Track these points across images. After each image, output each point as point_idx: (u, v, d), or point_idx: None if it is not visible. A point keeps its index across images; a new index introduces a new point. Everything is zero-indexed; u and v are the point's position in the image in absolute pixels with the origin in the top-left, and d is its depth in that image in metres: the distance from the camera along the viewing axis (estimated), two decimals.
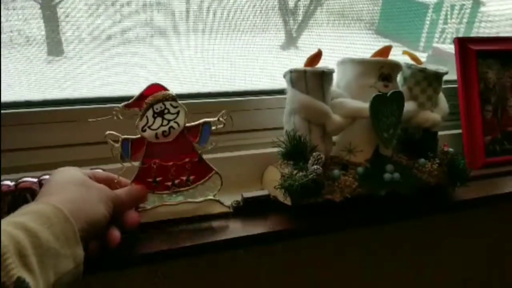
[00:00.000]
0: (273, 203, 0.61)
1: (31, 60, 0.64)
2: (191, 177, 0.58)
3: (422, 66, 0.66)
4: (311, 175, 0.56)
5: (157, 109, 0.56)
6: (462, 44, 0.77)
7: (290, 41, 0.79)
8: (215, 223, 0.59)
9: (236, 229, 0.58)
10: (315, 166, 0.57)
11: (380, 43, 0.74)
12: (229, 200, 0.60)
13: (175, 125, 0.57)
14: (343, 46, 0.78)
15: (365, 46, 0.75)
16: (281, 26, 0.76)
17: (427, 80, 0.65)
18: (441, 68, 0.66)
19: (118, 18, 0.65)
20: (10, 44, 0.62)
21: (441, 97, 0.69)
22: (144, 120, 0.56)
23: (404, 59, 0.68)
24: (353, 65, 0.64)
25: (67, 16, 0.64)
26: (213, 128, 0.58)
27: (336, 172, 0.59)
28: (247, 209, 0.60)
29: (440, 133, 0.80)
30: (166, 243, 0.53)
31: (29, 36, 0.63)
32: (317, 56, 0.60)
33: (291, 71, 0.60)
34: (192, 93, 0.65)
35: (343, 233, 0.65)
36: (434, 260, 0.76)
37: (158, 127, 0.56)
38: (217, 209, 0.59)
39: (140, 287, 0.60)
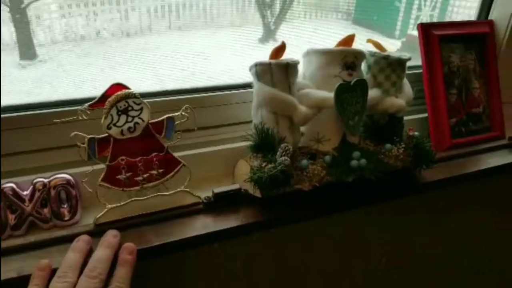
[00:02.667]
0: (244, 197, 0.62)
1: (3, 66, 0.62)
2: (160, 171, 0.59)
3: (386, 53, 0.68)
4: (280, 167, 0.58)
5: (120, 107, 0.58)
6: (425, 30, 0.79)
7: (269, 34, 0.80)
8: (188, 220, 0.59)
9: (208, 224, 0.59)
10: (283, 158, 0.58)
11: (357, 32, 0.76)
12: (202, 196, 0.61)
13: (139, 120, 0.58)
14: (321, 37, 0.80)
15: (342, 36, 0.75)
16: (259, 19, 0.77)
17: (390, 66, 0.67)
18: (404, 55, 0.68)
19: (91, 18, 0.65)
20: None
21: (406, 82, 0.71)
22: (109, 119, 0.57)
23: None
24: (317, 56, 0.66)
25: (38, 18, 0.63)
26: (177, 122, 0.60)
27: (304, 162, 0.61)
28: (219, 204, 0.61)
29: (407, 117, 0.84)
30: (136, 242, 0.54)
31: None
32: (281, 49, 0.61)
33: (256, 64, 0.61)
34: (160, 91, 0.65)
35: (316, 220, 0.67)
36: (405, 242, 0.79)
37: (124, 124, 0.57)
38: (188, 200, 0.60)
39: None
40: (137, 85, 0.64)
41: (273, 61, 0.61)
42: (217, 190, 0.61)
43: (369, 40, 0.70)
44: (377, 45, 0.69)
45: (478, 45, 0.86)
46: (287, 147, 0.60)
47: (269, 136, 0.62)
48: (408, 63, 0.84)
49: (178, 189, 0.60)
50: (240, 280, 0.68)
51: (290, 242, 0.71)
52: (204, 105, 0.66)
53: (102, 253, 0.49)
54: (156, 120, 0.59)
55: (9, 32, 0.62)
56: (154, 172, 0.59)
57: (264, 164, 0.60)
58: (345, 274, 0.77)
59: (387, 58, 0.66)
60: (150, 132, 0.59)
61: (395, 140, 0.67)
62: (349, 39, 0.66)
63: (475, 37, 0.85)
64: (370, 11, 0.91)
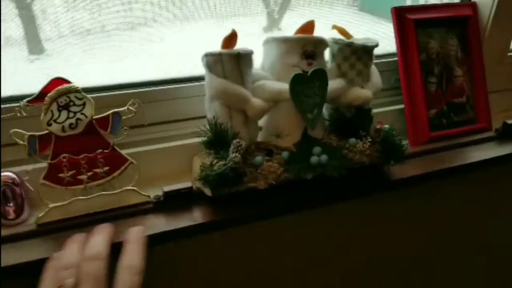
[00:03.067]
0: (198, 195, 0.59)
1: (12, 61, 0.64)
2: (105, 169, 0.56)
3: (350, 40, 0.63)
4: (230, 164, 0.54)
5: (61, 102, 0.55)
6: (399, 13, 0.74)
7: (273, 23, 0.79)
8: (135, 220, 0.57)
9: (156, 224, 0.56)
10: (233, 154, 0.55)
11: (363, 19, 0.71)
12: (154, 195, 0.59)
13: (82, 116, 0.56)
14: (327, 25, 0.73)
15: (348, 23, 0.72)
16: (262, 9, 0.75)
17: (355, 54, 0.63)
18: (371, 41, 0.63)
19: (96, 11, 0.65)
20: None
21: (374, 71, 0.67)
22: (49, 115, 0.55)
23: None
24: (276, 44, 0.62)
25: (43, 13, 0.63)
26: (124, 117, 0.58)
27: (258, 158, 0.57)
28: (171, 203, 0.58)
29: (383, 109, 0.80)
30: None
31: (8, 36, 0.63)
32: (232, 37, 0.58)
33: (206, 55, 0.57)
34: (106, 85, 0.62)
35: (284, 218, 0.63)
36: (382, 241, 0.75)
37: (65, 120, 0.55)
38: (136, 199, 0.58)
39: None
40: (143, 77, 0.65)
41: (223, 50, 0.57)
42: (167, 189, 0.58)
43: (334, 26, 0.66)
44: (342, 31, 0.65)
45: (460, 29, 0.81)
46: (239, 143, 0.57)
47: (222, 132, 0.59)
48: (386, 50, 0.81)
49: (125, 188, 0.58)
50: (204, 281, 0.66)
51: (256, 241, 0.67)
52: (156, 99, 0.63)
53: (97, 237, 0.48)
54: (101, 115, 0.57)
55: (17, 27, 0.63)
56: (99, 170, 0.57)
57: (215, 161, 0.56)
58: (318, 275, 0.73)
59: (351, 45, 0.62)
60: (94, 128, 0.56)
61: (361, 134, 0.63)
62: (309, 26, 0.62)
63: (457, 20, 0.80)
64: None
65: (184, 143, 0.65)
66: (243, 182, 0.57)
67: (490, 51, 0.83)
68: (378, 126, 0.63)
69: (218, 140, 0.59)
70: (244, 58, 0.57)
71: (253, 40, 0.64)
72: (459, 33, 0.81)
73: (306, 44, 0.61)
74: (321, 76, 0.59)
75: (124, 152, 0.59)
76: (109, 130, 0.57)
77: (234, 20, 0.72)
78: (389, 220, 0.74)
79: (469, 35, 0.81)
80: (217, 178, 0.54)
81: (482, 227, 0.85)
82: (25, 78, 0.65)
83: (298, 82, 0.58)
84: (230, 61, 0.57)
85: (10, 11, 0.61)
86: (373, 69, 0.67)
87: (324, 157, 0.60)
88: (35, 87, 0.55)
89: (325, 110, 0.67)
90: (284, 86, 0.58)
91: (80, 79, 0.56)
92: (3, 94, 0.59)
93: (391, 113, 0.79)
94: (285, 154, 0.60)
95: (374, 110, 0.78)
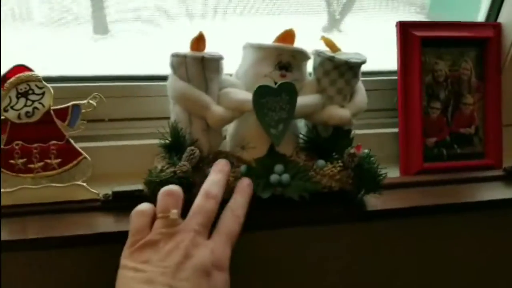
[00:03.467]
0: (149, 199, 0.57)
1: (78, 38, 0.68)
2: (57, 161, 0.56)
3: (333, 53, 0.58)
4: (178, 172, 0.52)
5: (21, 89, 0.55)
6: (404, 29, 0.67)
7: (333, 23, 0.77)
8: (81, 217, 0.55)
9: (100, 224, 0.55)
10: (181, 163, 0.52)
11: None
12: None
13: (39, 106, 0.55)
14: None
15: None
16: (324, 7, 0.74)
17: (337, 70, 0.57)
18: (357, 57, 0.58)
19: None
20: (59, 23, 0.67)
21: (359, 90, 0.61)
22: (7, 101, 0.55)
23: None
24: (252, 51, 0.58)
25: None
26: (84, 110, 0.57)
27: (210, 170, 0.54)
28: (121, 203, 0.56)
29: (379, 130, 0.73)
30: (14, 232, 0.51)
31: (77, 14, 0.67)
32: (199, 40, 0.54)
33: (172, 55, 0.54)
34: (70, 76, 0.61)
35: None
36: (334, 272, 0.69)
37: (22, 108, 0.55)
38: (83, 195, 0.57)
39: None
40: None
41: (189, 53, 0.54)
42: (116, 189, 0.56)
43: (322, 37, 0.60)
44: (328, 43, 0.60)
45: (478, 52, 0.72)
46: (192, 152, 0.54)
47: (181, 137, 0.56)
48: (388, 67, 0.74)
49: (73, 182, 0.56)
50: None
51: None
52: (121, 95, 0.61)
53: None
54: (61, 106, 0.56)
55: (86, 5, 0.66)
56: (50, 161, 0.56)
57: (166, 166, 0.54)
58: None
59: (332, 59, 0.57)
60: (51, 118, 0.56)
61: (332, 157, 0.58)
62: (288, 35, 0.57)
63: (474, 42, 0.71)
64: (447, 5, 0.85)
65: (148, 143, 0.63)
66: (192, 192, 0.54)
67: (510, 79, 0.73)
68: (352, 151, 0.57)
69: (175, 145, 0.56)
70: (210, 62, 0.54)
71: (310, 39, 0.60)
72: (476, 56, 0.72)
73: (282, 54, 0.56)
74: (290, 90, 0.54)
75: (83, 146, 0.58)
76: (67, 122, 0.57)
77: (294, 17, 0.71)
78: (356, 252, 0.68)
79: (487, 59, 0.72)
80: (160, 185, 0.52)
81: (465, 271, 0.76)
82: (87, 58, 0.69)
83: (262, 95, 0.53)
84: (194, 65, 0.54)
85: None
86: (359, 87, 0.61)
87: (285, 177, 0.55)
88: (96, 67, 0.57)
89: (303, 126, 0.63)
90: (249, 96, 0.54)
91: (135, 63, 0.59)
92: (66, 73, 0.62)
93: (387, 136, 0.72)
94: (243, 168, 0.56)
95: (368, 131, 0.73)
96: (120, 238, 0.55)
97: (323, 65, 0.58)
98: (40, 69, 0.56)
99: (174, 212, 0.45)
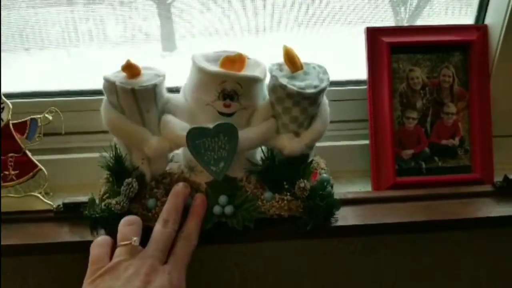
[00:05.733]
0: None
1: (147, 56, 0.71)
2: (15, 172, 0.58)
3: (285, 81, 0.50)
4: (113, 210, 0.52)
5: None
6: (372, 35, 0.63)
7: None
8: (35, 226, 0.57)
9: (58, 233, 0.57)
10: (117, 200, 0.52)
11: None
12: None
13: None
14: None
15: None
16: (390, 15, 0.72)
17: (292, 99, 0.51)
18: (316, 84, 0.51)
19: (226, 14, 0.70)
20: (131, 41, 0.71)
21: (321, 114, 0.55)
22: None
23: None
24: (195, 71, 0.52)
25: (181, 12, 0.70)
26: (40, 124, 0.60)
27: (150, 202, 0.53)
28: (74, 214, 0.58)
29: (351, 142, 0.70)
30: None
31: (147, 33, 0.71)
32: (126, 68, 0.49)
33: (104, 78, 0.50)
34: (27, 92, 0.65)
35: None
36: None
37: None
38: (38, 206, 0.59)
39: None
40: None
41: (118, 82, 0.49)
42: (67, 200, 0.58)
43: (284, 47, 0.52)
44: (289, 56, 0.52)
45: (462, 56, 0.66)
46: (129, 186, 0.52)
47: (122, 162, 0.54)
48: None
49: (29, 193, 0.59)
50: None
51: None
52: (77, 109, 0.63)
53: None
54: (20, 121, 0.60)
55: (156, 25, 0.70)
56: (8, 172, 0.59)
57: (105, 196, 0.54)
58: None
59: (284, 88, 0.50)
60: (9, 132, 0.59)
61: (283, 187, 0.54)
62: (238, 59, 0.51)
63: (456, 46, 0.66)
64: None
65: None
66: None
67: (499, 85, 0.66)
68: (302, 185, 0.53)
69: (117, 168, 0.54)
70: (142, 93, 0.49)
71: None
72: (459, 62, 0.66)
73: (226, 82, 0.50)
74: (229, 130, 0.50)
75: (44, 158, 0.61)
76: (25, 135, 0.59)
77: (362, 26, 0.67)
78: (315, 270, 0.64)
79: (471, 65, 0.66)
80: (97, 220, 0.52)
81: None
82: None
83: (197, 137, 0.50)
84: (126, 97, 0.49)
85: (152, 10, 0.69)
86: (322, 111, 0.55)
87: (229, 209, 0.53)
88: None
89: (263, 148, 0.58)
90: (185, 132, 0.50)
91: None
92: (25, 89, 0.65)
93: (359, 148, 0.68)
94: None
95: (341, 143, 0.69)
96: (71, 248, 0.57)
97: (275, 91, 0.52)
98: None
99: (136, 239, 0.47)
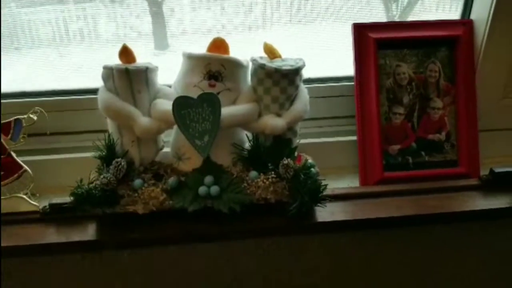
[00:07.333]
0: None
1: (140, 54, 0.68)
2: None
3: (269, 61, 0.55)
4: (99, 184, 0.52)
5: None
6: (359, 31, 0.63)
7: None
8: (24, 228, 0.57)
9: (44, 234, 0.56)
10: (104, 175, 0.52)
11: None
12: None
13: None
14: None
15: None
16: (383, 12, 0.73)
17: (271, 78, 0.55)
18: (291, 64, 0.55)
19: (218, 12, 0.71)
20: (123, 39, 0.69)
21: (300, 97, 0.58)
22: None
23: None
24: (184, 60, 0.58)
25: (172, 11, 0.70)
26: (26, 125, 0.59)
27: (137, 182, 0.55)
28: (62, 215, 0.58)
29: (339, 138, 0.70)
30: None
31: (140, 32, 0.71)
32: (122, 52, 0.55)
33: (103, 67, 0.55)
34: (13, 92, 0.64)
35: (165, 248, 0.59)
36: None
37: None
38: (23, 207, 0.59)
39: None
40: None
41: (115, 65, 0.55)
42: (53, 201, 0.58)
43: (264, 43, 0.58)
44: (268, 49, 0.57)
45: (448, 52, 0.66)
46: (118, 164, 0.54)
47: (113, 149, 0.56)
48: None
49: (14, 195, 0.58)
50: None
51: (129, 269, 0.63)
52: (62, 108, 0.63)
53: None
54: (4, 121, 0.59)
55: (148, 23, 0.70)
56: None
57: (95, 179, 0.54)
58: None
59: (263, 67, 0.55)
60: None
61: (267, 168, 0.55)
62: (219, 43, 0.56)
63: (442, 41, 0.66)
64: None
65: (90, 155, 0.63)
66: (120, 204, 0.54)
67: (485, 80, 0.67)
68: (285, 162, 0.54)
69: (109, 157, 0.56)
70: (135, 74, 0.54)
71: None
72: (446, 57, 0.66)
73: (211, 63, 0.55)
74: (211, 101, 0.53)
75: (29, 159, 0.60)
76: (9, 136, 0.59)
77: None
78: (302, 267, 0.64)
79: (457, 60, 0.66)
80: (83, 196, 0.52)
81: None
82: None
83: (182, 106, 0.53)
84: (120, 77, 0.54)
85: (143, 9, 0.69)
86: (301, 94, 0.59)
87: (214, 189, 0.54)
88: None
89: (249, 135, 0.60)
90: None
91: None
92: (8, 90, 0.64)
93: (347, 144, 0.68)
94: (172, 180, 0.55)
95: (327, 139, 0.69)
96: (57, 249, 0.56)
97: (256, 73, 0.57)
98: None
99: None
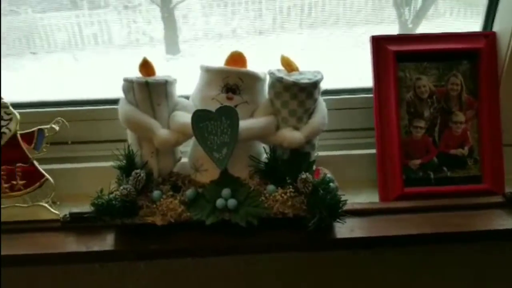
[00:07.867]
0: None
1: (152, 59, 0.69)
2: (22, 182, 0.59)
3: (287, 74, 0.55)
4: (119, 195, 0.53)
5: None
6: (378, 43, 0.63)
7: (406, 32, 0.74)
8: (43, 235, 0.58)
9: (64, 243, 0.57)
10: (123, 187, 0.53)
11: None
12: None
13: (6, 130, 0.60)
14: None
15: None
16: (395, 17, 0.73)
17: (289, 91, 0.55)
18: (310, 77, 0.55)
19: (229, 17, 0.72)
20: (136, 44, 0.73)
21: (319, 110, 0.58)
22: None
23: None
24: (202, 73, 0.59)
25: (184, 17, 0.72)
26: (47, 134, 0.61)
27: (156, 193, 0.55)
28: (81, 224, 0.58)
29: (358, 151, 0.69)
30: None
31: (152, 37, 0.73)
32: (143, 66, 0.56)
33: (124, 80, 0.56)
34: (34, 102, 0.66)
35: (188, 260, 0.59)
36: None
37: None
38: (44, 215, 0.60)
39: None
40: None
41: (135, 78, 0.56)
42: (74, 210, 0.58)
43: (281, 56, 0.58)
44: (285, 62, 0.57)
45: (470, 65, 0.65)
46: (138, 175, 0.55)
47: (133, 159, 0.57)
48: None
49: (36, 203, 0.59)
50: None
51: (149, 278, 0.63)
52: (87, 118, 0.64)
53: None
54: (27, 131, 0.61)
55: (159, 29, 0.72)
56: (16, 182, 0.59)
57: (115, 189, 0.55)
58: None
59: (281, 80, 0.55)
60: (17, 142, 0.60)
61: (285, 181, 0.55)
62: (238, 57, 0.56)
63: (464, 54, 0.65)
64: None
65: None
66: (139, 215, 0.54)
67: (510, 93, 0.65)
68: (304, 176, 0.54)
69: (129, 167, 0.57)
70: (154, 87, 0.55)
71: None
72: (468, 70, 0.65)
73: (229, 77, 0.56)
74: (230, 114, 0.54)
75: (50, 168, 0.61)
76: (33, 145, 0.60)
77: (365, 27, 0.70)
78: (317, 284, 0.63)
79: (479, 73, 0.65)
80: (103, 206, 0.53)
81: None
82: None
83: (200, 119, 0.54)
84: (140, 90, 0.55)
85: (155, 14, 0.70)
86: (319, 108, 0.58)
87: (232, 202, 0.54)
88: None
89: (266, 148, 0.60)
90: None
91: None
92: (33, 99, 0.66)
93: (366, 157, 0.67)
94: (190, 192, 0.55)
95: (346, 152, 0.69)
96: (77, 258, 0.57)
97: (274, 86, 0.57)
98: None
99: None
